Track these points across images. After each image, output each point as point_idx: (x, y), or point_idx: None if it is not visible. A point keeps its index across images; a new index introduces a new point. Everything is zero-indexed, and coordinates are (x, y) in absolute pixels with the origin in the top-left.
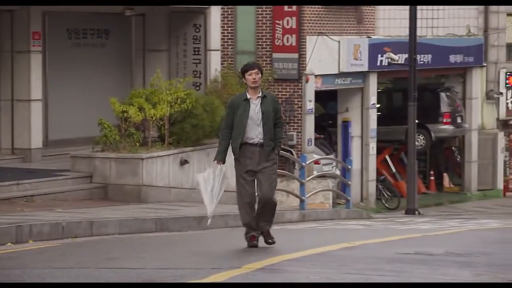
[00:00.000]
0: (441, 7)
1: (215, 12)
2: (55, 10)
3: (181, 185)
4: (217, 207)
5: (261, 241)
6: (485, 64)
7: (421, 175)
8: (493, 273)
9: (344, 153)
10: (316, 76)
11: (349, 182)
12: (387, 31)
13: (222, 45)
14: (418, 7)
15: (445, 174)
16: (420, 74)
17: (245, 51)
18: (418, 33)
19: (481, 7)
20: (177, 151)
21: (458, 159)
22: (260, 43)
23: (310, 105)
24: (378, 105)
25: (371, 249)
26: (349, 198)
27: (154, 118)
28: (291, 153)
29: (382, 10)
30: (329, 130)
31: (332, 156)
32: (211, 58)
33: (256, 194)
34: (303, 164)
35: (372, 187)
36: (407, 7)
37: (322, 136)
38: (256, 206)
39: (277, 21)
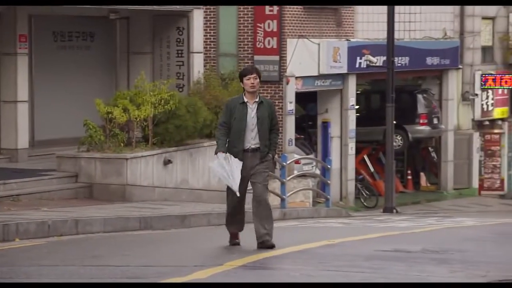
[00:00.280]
0: (418, 10)
1: (198, 15)
2: (41, 13)
3: (165, 185)
4: (200, 205)
5: (242, 240)
6: (461, 66)
7: (398, 174)
8: (468, 270)
9: (324, 153)
10: (296, 78)
11: (329, 182)
12: (365, 34)
13: (204, 47)
14: (396, 10)
15: (422, 174)
16: (398, 76)
17: (227, 53)
18: (396, 36)
19: (457, 11)
20: (161, 151)
21: (434, 159)
22: (242, 46)
23: (290, 106)
24: (357, 107)
25: (350, 247)
26: (328, 197)
27: (138, 119)
28: None
29: (361, 14)
30: (309, 130)
31: (312, 156)
32: (194, 61)
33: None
34: (284, 163)
35: (351, 186)
36: (385, 10)
37: (302, 136)
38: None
39: (258, 24)
